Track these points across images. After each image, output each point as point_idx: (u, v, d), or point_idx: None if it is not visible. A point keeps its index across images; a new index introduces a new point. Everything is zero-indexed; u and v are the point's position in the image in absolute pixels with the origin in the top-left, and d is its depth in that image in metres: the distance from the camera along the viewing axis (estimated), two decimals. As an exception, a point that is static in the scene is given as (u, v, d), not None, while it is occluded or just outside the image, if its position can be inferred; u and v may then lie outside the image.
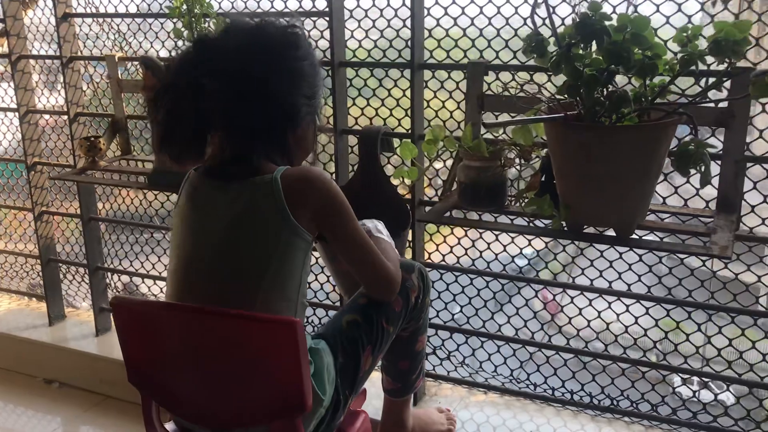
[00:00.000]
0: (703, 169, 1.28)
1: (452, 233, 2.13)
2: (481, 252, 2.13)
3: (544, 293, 2.60)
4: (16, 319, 2.69)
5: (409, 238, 1.88)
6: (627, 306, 1.86)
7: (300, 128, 1.34)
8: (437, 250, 2.09)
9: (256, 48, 1.29)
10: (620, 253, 1.82)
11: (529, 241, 1.89)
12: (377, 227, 1.55)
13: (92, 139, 2.10)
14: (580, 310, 1.97)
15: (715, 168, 1.55)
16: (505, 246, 2.02)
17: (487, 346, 2.09)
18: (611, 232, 1.45)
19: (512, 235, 1.76)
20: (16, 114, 2.42)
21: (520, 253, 2.38)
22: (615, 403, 1.89)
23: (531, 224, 1.59)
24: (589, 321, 1.95)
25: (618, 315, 1.93)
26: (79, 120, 2.31)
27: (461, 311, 2.08)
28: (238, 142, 1.31)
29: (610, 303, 1.92)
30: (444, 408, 1.88)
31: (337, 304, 2.10)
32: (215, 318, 1.26)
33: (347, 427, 1.47)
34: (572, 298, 1.95)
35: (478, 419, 1.93)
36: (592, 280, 1.86)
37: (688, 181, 1.53)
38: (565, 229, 1.47)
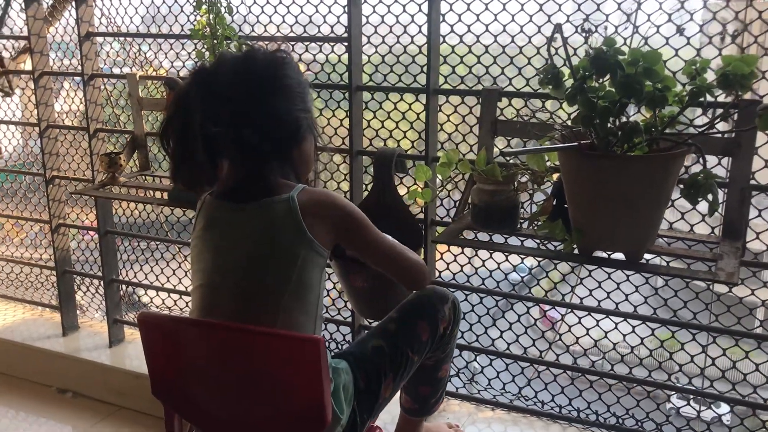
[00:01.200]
0: (711, 198, 1.33)
1: (462, 252, 2.17)
2: (483, 262, 2.16)
3: (550, 314, 2.65)
4: (30, 329, 2.73)
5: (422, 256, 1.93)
6: (633, 327, 1.90)
7: (303, 142, 1.39)
8: (447, 268, 2.14)
9: (250, 73, 1.33)
10: (627, 276, 1.86)
11: (539, 262, 1.93)
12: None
13: (113, 155, 2.16)
14: (587, 330, 2.02)
15: (721, 196, 1.61)
16: (507, 257, 2.05)
17: (496, 363, 2.13)
18: (620, 256, 1.51)
19: (522, 255, 1.81)
20: (36, 129, 2.47)
21: (523, 263, 2.44)
22: (620, 421, 1.93)
23: (542, 246, 1.63)
24: (596, 341, 2.00)
25: (624, 336, 1.97)
26: (98, 136, 2.37)
27: (470, 329, 2.12)
28: (248, 164, 1.35)
29: (617, 324, 1.96)
30: (453, 424, 1.92)
31: (350, 318, 2.14)
32: (240, 334, 1.31)
33: (362, 442, 1.52)
34: (579, 318, 2.00)
35: (485, 436, 1.98)
36: (599, 301, 1.91)
37: (694, 208, 1.58)
38: (576, 252, 1.53)
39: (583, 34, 1.40)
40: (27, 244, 3.19)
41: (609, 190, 1.40)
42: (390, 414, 1.92)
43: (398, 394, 1.73)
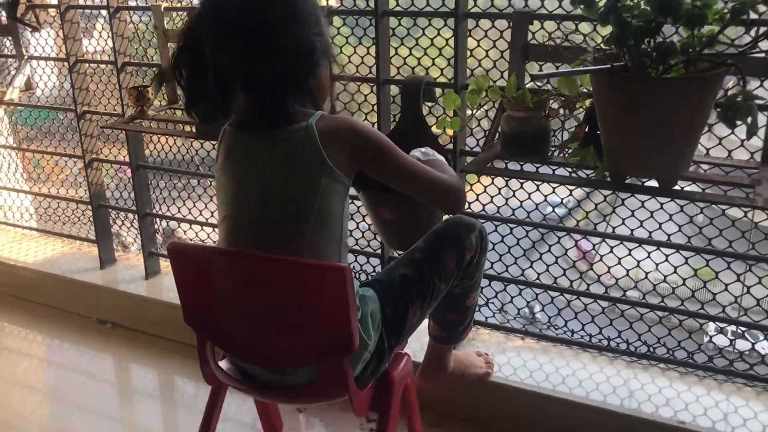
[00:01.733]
0: (750, 121, 1.28)
1: (493, 183, 2.14)
2: (521, 202, 2.14)
3: (580, 245, 2.63)
4: (69, 262, 2.80)
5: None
6: (666, 256, 1.88)
7: (318, 68, 1.35)
8: (477, 199, 2.11)
9: None
10: (661, 204, 1.83)
11: (570, 191, 1.90)
12: (425, 152, 1.57)
13: (140, 88, 2.15)
14: (619, 259, 2.00)
15: (761, 119, 1.55)
16: (545, 196, 2.03)
17: (526, 294, 2.13)
18: (653, 183, 1.47)
19: (553, 185, 1.78)
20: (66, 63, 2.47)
21: (561, 202, 2.40)
22: (651, 350, 1.93)
23: (574, 174, 1.60)
24: (627, 270, 1.97)
25: (657, 264, 1.95)
26: (126, 69, 2.36)
27: (500, 260, 2.11)
28: (263, 94, 1.33)
29: (649, 253, 1.94)
30: (482, 351, 1.94)
31: (379, 251, 2.15)
32: (266, 264, 1.32)
33: (391, 369, 1.53)
34: (612, 247, 1.97)
35: (515, 363, 1.99)
36: (632, 230, 1.88)
37: (732, 132, 1.52)
38: (608, 179, 1.49)
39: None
40: (68, 183, 3.24)
41: (643, 115, 1.36)
42: (419, 342, 1.95)
43: (426, 322, 1.75)
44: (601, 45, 1.44)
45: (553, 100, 1.58)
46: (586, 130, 1.57)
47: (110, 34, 2.32)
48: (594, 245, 2.15)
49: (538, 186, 1.95)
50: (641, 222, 1.86)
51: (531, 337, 2.10)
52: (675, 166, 1.41)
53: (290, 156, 1.30)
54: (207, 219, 2.55)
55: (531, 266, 2.12)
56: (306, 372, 1.38)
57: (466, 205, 2.06)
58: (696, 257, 1.85)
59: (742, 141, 1.62)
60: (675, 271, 1.90)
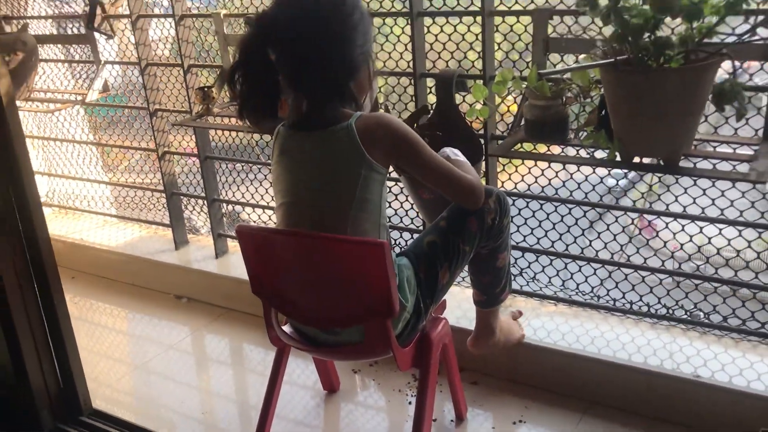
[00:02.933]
0: (737, 104, 1.44)
1: (535, 164, 2.30)
2: (571, 175, 2.21)
3: (646, 221, 2.75)
4: (147, 244, 3.11)
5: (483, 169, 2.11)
6: (720, 229, 1.95)
7: (358, 74, 1.57)
8: (529, 173, 2.25)
9: (308, 14, 1.49)
10: (713, 181, 1.89)
11: (626, 172, 2.00)
12: (454, 152, 1.79)
13: (205, 88, 2.42)
14: (674, 234, 2.08)
15: (764, 100, 1.70)
16: (594, 169, 2.10)
17: (571, 266, 2.29)
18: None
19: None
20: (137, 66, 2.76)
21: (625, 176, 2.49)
22: (670, 311, 2.09)
23: (589, 155, 1.78)
24: (682, 244, 2.07)
25: (710, 238, 2.03)
26: (191, 71, 2.63)
27: (552, 234, 2.26)
28: (310, 100, 1.56)
29: (701, 228, 2.00)
30: (517, 312, 2.15)
31: (420, 228, 2.37)
32: (319, 241, 1.56)
33: (430, 330, 1.76)
34: (666, 224, 2.07)
35: (548, 326, 2.18)
36: (684, 207, 1.98)
37: (720, 113, 1.66)
38: (618, 159, 1.67)
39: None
40: (131, 169, 3.56)
41: (644, 102, 1.53)
42: (460, 309, 2.18)
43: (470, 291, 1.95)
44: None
45: (569, 89, 1.76)
46: (601, 114, 1.75)
47: (177, 40, 2.58)
48: (649, 222, 2.22)
49: (594, 170, 2.06)
50: (713, 200, 1.94)
51: (563, 303, 2.29)
52: (677, 146, 1.59)
53: (334, 151, 1.54)
54: (268, 203, 2.81)
55: (590, 244, 2.24)
56: (355, 332, 1.63)
57: (499, 183, 2.25)
58: (750, 229, 1.92)
59: (747, 120, 1.76)
60: (729, 243, 1.97)
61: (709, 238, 2.03)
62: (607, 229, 2.23)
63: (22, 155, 1.83)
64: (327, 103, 1.54)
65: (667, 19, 1.53)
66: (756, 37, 1.58)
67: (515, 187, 2.27)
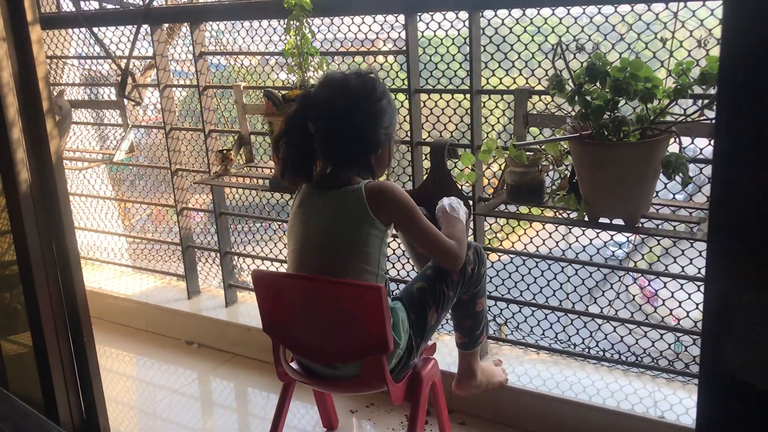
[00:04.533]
0: (682, 175, 1.70)
1: (543, 227, 2.53)
2: (577, 238, 2.43)
3: (641, 280, 2.97)
4: (160, 294, 3.34)
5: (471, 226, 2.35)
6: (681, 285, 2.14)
7: (380, 151, 1.86)
8: (538, 235, 2.50)
9: (343, 97, 1.80)
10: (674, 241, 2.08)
11: (627, 237, 2.24)
12: (452, 205, 2.02)
13: (224, 151, 2.69)
14: (672, 293, 2.24)
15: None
16: (606, 241, 2.34)
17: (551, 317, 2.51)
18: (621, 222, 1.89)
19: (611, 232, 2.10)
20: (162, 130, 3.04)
21: (619, 247, 2.75)
22: (639, 359, 2.30)
23: (560, 215, 2.03)
24: (680, 302, 2.20)
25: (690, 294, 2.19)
26: (212, 135, 2.91)
27: (567, 297, 2.49)
28: (334, 165, 1.85)
29: (699, 286, 2.14)
30: (498, 360, 2.36)
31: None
32: (324, 284, 1.80)
33: (421, 369, 1.97)
34: (665, 283, 2.27)
35: (531, 373, 2.39)
36: (683, 267, 2.14)
37: (669, 181, 1.92)
38: (586, 219, 1.92)
39: (575, 51, 1.78)
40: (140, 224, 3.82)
41: (605, 171, 1.79)
42: (451, 356, 2.39)
43: (453, 336, 2.18)
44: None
45: (544, 158, 2.02)
46: (573, 180, 2.01)
47: (200, 108, 2.87)
48: (649, 281, 2.41)
49: (598, 234, 2.26)
50: (691, 260, 2.08)
51: (544, 351, 2.50)
52: (635, 208, 1.84)
53: (344, 208, 1.80)
54: (276, 256, 3.06)
55: (595, 301, 2.44)
56: (353, 367, 1.84)
57: (486, 241, 2.49)
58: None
59: (700, 188, 2.02)
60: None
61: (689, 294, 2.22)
62: (597, 285, 2.45)
63: (66, 212, 2.08)
64: (347, 169, 1.82)
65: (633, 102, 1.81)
66: (703, 117, 1.85)
67: (550, 252, 2.46)
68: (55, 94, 3.26)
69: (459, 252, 1.88)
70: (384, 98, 1.83)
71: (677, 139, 1.76)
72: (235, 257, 3.13)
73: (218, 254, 3.07)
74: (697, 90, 1.80)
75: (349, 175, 1.82)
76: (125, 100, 3.07)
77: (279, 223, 3.08)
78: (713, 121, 1.89)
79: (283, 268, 3.07)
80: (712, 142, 1.99)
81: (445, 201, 2.03)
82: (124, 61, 2.99)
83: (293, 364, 1.99)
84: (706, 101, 1.83)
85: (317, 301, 1.82)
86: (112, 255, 3.75)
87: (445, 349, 2.54)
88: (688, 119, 1.81)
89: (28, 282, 2.06)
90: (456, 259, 1.88)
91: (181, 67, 3.44)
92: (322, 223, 1.82)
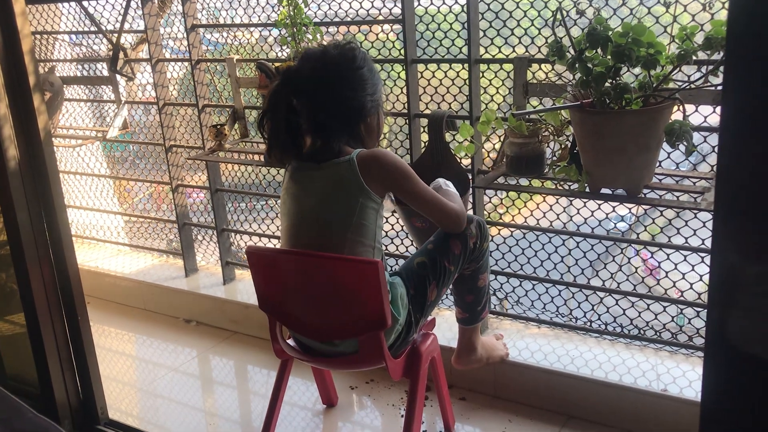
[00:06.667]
0: (686, 142, 1.65)
1: (544, 200, 2.49)
2: (578, 210, 2.40)
3: (643, 253, 2.93)
4: (158, 272, 3.31)
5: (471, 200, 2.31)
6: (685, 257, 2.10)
7: (368, 119, 1.81)
8: (538, 207, 2.45)
9: (324, 69, 1.76)
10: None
11: (629, 209, 2.21)
12: (446, 182, 2.00)
13: (218, 126, 2.64)
14: (675, 265, 2.21)
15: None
16: (608, 213, 2.27)
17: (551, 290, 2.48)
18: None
19: (613, 204, 2.10)
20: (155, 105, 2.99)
21: (621, 219, 2.73)
22: (642, 332, 2.27)
23: (560, 187, 1.98)
24: (683, 274, 2.18)
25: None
26: (206, 110, 2.86)
27: (569, 270, 2.46)
28: (322, 137, 1.80)
29: (703, 257, 2.13)
30: (499, 335, 2.33)
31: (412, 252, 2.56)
32: (319, 260, 1.76)
33: (420, 344, 1.94)
34: (668, 255, 2.21)
35: (532, 348, 2.36)
36: (686, 239, 2.12)
37: (673, 150, 1.87)
38: (587, 190, 1.87)
39: (576, 16, 1.72)
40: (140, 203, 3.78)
41: (607, 140, 1.74)
42: (451, 332, 2.36)
43: (453, 311, 2.15)
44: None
45: (544, 128, 1.97)
46: (574, 151, 1.96)
47: (192, 82, 2.82)
48: (652, 254, 2.37)
49: (600, 206, 2.24)
50: (695, 230, 2.07)
51: (545, 325, 2.47)
52: (638, 178, 1.79)
53: (336, 181, 1.75)
54: (273, 232, 3.02)
55: (597, 274, 2.41)
56: (351, 344, 1.81)
57: (486, 214, 2.45)
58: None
59: (704, 156, 1.97)
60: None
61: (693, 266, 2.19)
62: (598, 258, 2.41)
63: (56, 190, 2.04)
64: (335, 140, 1.77)
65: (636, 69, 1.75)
66: (707, 84, 1.80)
67: (551, 225, 2.42)
68: (46, 70, 3.20)
69: (462, 212, 1.86)
70: (365, 65, 1.79)
71: (681, 107, 1.71)
72: (233, 234, 3.09)
73: (215, 231, 3.03)
74: (702, 56, 1.74)
75: (340, 146, 1.78)
76: (117, 76, 3.01)
77: (276, 199, 3.03)
78: (718, 88, 1.84)
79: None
80: (717, 109, 1.94)
81: (439, 181, 2.00)
82: (115, 36, 2.93)
83: (290, 341, 1.96)
84: (710, 67, 1.77)
85: (313, 277, 1.79)
86: (108, 234, 3.71)
87: (444, 324, 2.51)
88: (692, 86, 1.75)
89: (19, 261, 2.03)
90: (458, 220, 1.85)
91: (178, 45, 3.38)
92: (314, 197, 1.78)
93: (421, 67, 2.36)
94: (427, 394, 2.33)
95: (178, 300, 3.11)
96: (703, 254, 2.10)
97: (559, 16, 1.70)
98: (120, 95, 3.07)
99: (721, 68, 1.77)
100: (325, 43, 1.87)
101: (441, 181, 2.01)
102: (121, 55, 2.94)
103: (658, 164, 1.86)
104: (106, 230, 3.72)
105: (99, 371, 2.26)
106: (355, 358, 1.83)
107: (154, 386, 2.66)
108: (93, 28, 3.17)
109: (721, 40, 1.69)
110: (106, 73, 3.08)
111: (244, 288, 3.03)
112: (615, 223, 3.02)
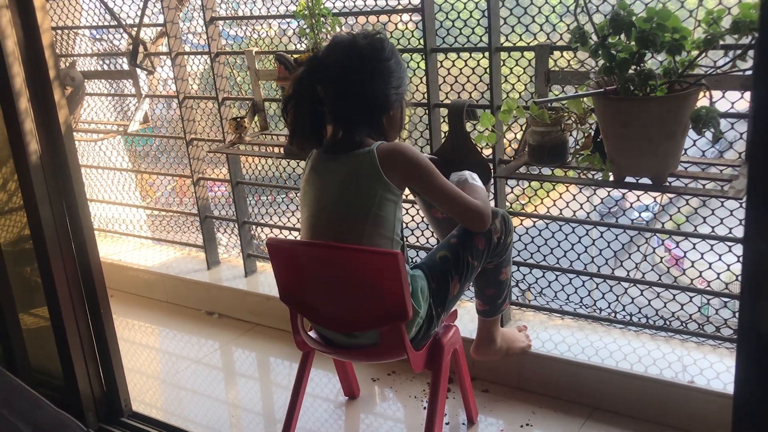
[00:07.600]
0: (713, 129, 1.61)
1: (567, 190, 2.44)
2: (616, 201, 2.36)
3: (667, 243, 2.89)
4: (180, 265, 3.32)
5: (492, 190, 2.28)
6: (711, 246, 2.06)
7: (391, 112, 1.79)
8: (561, 197, 2.42)
9: (351, 59, 1.73)
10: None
11: (654, 198, 2.17)
12: (472, 176, 1.97)
13: (238, 119, 2.64)
14: (702, 254, 2.18)
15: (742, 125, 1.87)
16: (632, 202, 2.26)
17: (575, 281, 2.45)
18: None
19: (637, 192, 2.06)
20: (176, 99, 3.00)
21: (646, 208, 2.70)
22: (702, 328, 2.22)
23: (584, 176, 1.95)
24: (710, 263, 2.14)
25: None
26: (226, 103, 2.86)
27: (592, 261, 2.42)
28: (343, 128, 1.78)
29: (730, 247, 2.09)
30: (522, 326, 2.30)
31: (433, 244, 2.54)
32: (339, 251, 1.75)
33: (442, 337, 1.92)
34: (694, 245, 2.19)
35: (555, 339, 2.33)
36: (713, 227, 2.08)
37: (699, 137, 1.83)
38: (611, 179, 1.84)
39: (599, 1, 1.69)
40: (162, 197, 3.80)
41: (631, 128, 1.71)
42: (474, 323, 2.33)
43: (473, 302, 2.13)
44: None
45: (567, 116, 1.94)
46: (597, 139, 1.92)
47: (212, 75, 2.82)
48: (677, 243, 2.35)
49: (624, 194, 2.20)
50: (721, 219, 2.04)
51: (569, 316, 2.44)
52: (663, 166, 1.75)
53: (356, 172, 1.73)
54: (294, 224, 3.01)
55: (622, 264, 2.39)
56: (372, 335, 1.80)
57: (507, 205, 2.42)
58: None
59: (731, 143, 1.93)
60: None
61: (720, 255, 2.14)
62: (623, 248, 2.37)
63: (78, 184, 2.05)
64: (357, 131, 1.75)
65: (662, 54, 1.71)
66: (735, 69, 1.76)
67: (574, 214, 2.37)
68: (67, 65, 3.22)
69: (484, 210, 1.81)
70: (393, 58, 1.77)
71: (707, 93, 1.67)
72: (255, 227, 3.09)
73: (236, 224, 3.04)
74: (729, 40, 1.70)
75: (361, 138, 1.76)
76: (138, 70, 3.02)
77: (296, 191, 3.03)
78: (747, 73, 1.80)
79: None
80: (746, 95, 1.89)
81: (465, 173, 1.96)
82: (135, 30, 2.94)
83: (312, 333, 1.95)
84: (738, 52, 1.73)
85: (333, 269, 1.77)
86: (131, 227, 3.74)
87: (467, 316, 2.49)
88: (719, 71, 1.71)
89: (42, 255, 2.04)
90: (482, 218, 1.81)
91: (198, 39, 3.38)
92: (334, 188, 1.77)
93: (440, 56, 2.33)
94: (449, 386, 2.32)
95: (200, 292, 3.12)
96: (730, 243, 2.06)
97: (581, 1, 1.67)
98: (140, 89, 3.07)
99: (750, 53, 1.73)
100: (354, 31, 1.85)
101: (467, 173, 1.98)
102: (141, 48, 2.94)
103: (683, 152, 1.82)
104: (128, 224, 3.74)
105: (122, 363, 2.27)
106: (376, 350, 1.82)
107: (177, 378, 2.67)
108: (113, 23, 3.18)
109: (750, 23, 1.65)
110: (126, 67, 3.09)
111: (266, 280, 3.03)
112: (639, 213, 2.98)
